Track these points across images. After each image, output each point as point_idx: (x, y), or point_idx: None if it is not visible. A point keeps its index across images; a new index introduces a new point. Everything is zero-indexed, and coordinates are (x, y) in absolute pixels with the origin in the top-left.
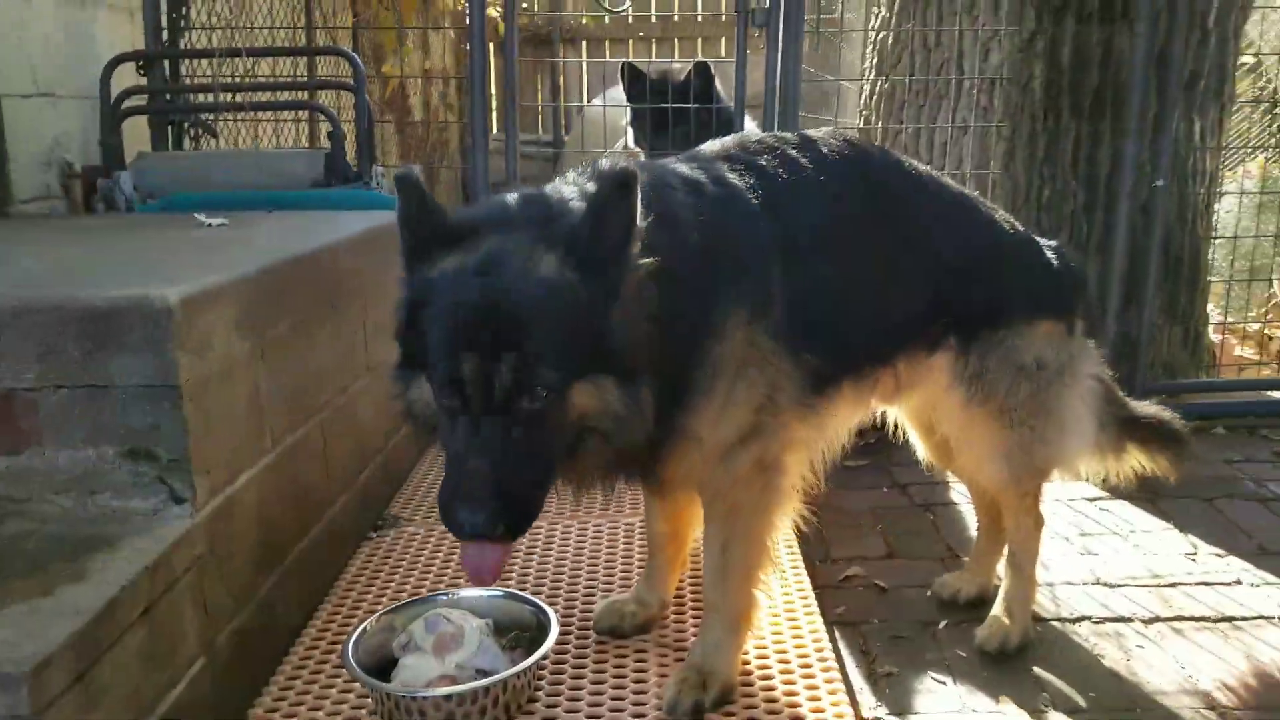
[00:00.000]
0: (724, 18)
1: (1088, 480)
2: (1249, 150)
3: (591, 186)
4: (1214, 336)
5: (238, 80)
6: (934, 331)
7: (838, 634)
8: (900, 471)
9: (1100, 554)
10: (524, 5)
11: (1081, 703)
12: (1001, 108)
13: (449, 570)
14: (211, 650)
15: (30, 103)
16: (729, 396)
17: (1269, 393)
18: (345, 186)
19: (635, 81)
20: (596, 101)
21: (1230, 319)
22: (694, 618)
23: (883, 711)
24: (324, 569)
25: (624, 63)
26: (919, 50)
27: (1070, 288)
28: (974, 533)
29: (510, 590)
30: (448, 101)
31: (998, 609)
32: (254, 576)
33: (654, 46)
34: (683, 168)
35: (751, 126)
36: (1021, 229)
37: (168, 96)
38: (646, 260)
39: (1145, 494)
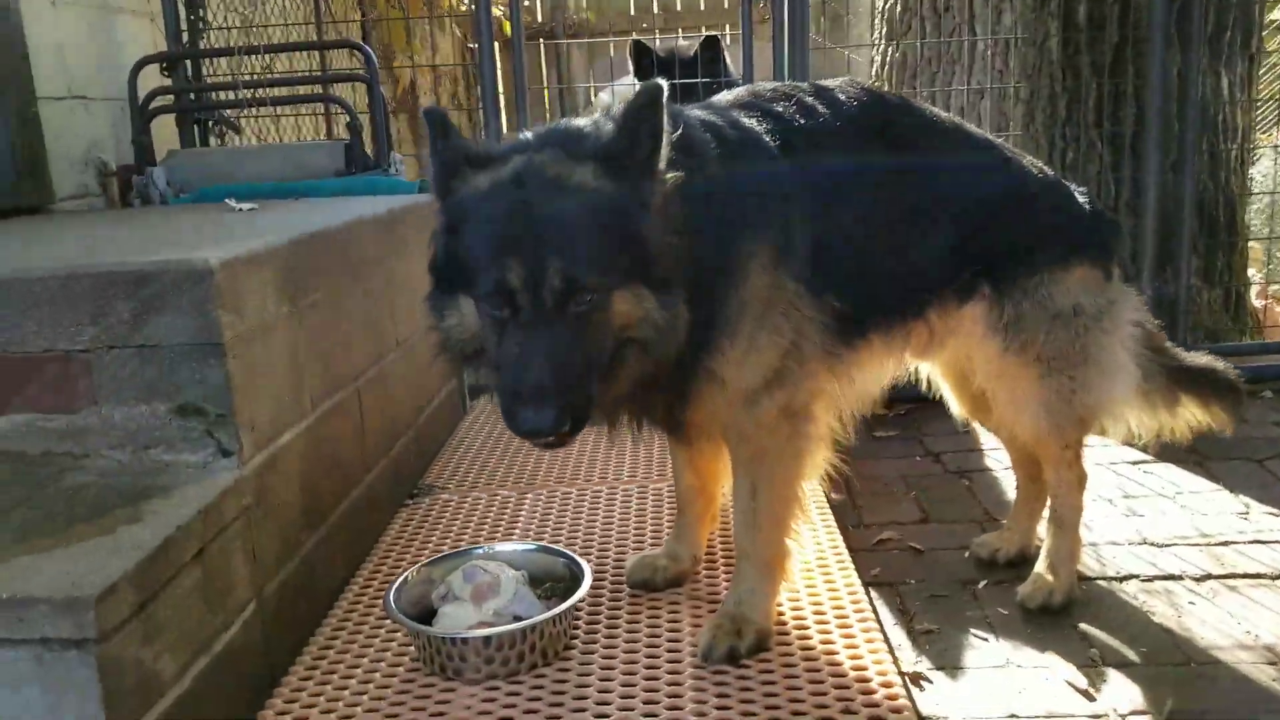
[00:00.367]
0: (727, 3)
1: (1140, 438)
2: None
3: (606, 118)
4: (1257, 302)
5: (256, 77)
6: (966, 279)
7: (873, 594)
8: (932, 441)
9: (1146, 515)
10: (525, 3)
11: (1133, 657)
12: (1018, 69)
13: (484, 531)
14: (261, 598)
15: (64, 105)
16: (753, 340)
17: None
18: (365, 174)
19: (643, 58)
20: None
21: (1272, 282)
22: (726, 574)
23: (924, 665)
24: (363, 533)
25: (632, 40)
26: (929, 15)
27: (1105, 231)
28: (1012, 497)
29: (544, 544)
30: (458, 102)
31: (1041, 565)
32: (298, 533)
33: (657, 39)
34: (698, 112)
35: None
36: (1050, 172)
37: (192, 96)
38: (674, 174)
39: (1192, 457)
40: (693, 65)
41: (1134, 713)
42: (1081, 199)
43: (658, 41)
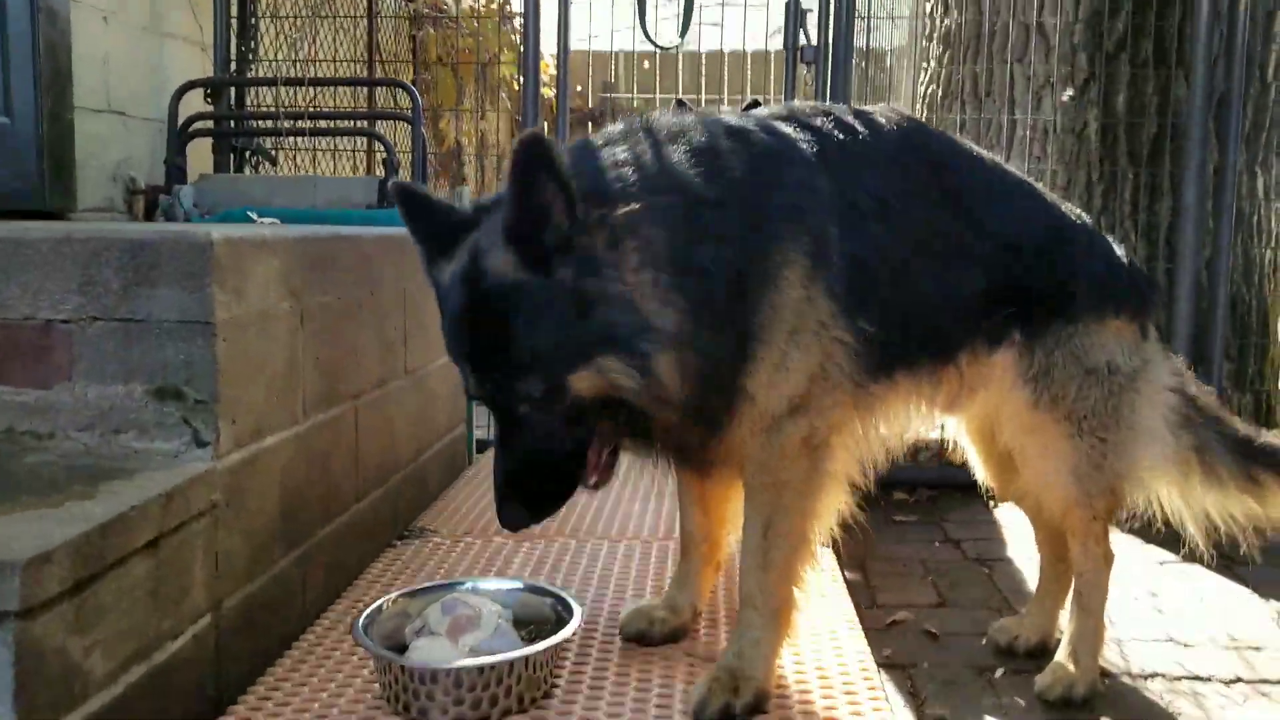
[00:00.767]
0: (772, 96)
1: (1215, 522)
2: None
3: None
4: None
5: (300, 109)
6: (998, 322)
7: (884, 675)
8: (953, 527)
9: (1173, 614)
10: (577, 88)
11: None
12: (1055, 155)
13: (475, 574)
14: (219, 611)
15: (101, 118)
16: (784, 356)
17: None
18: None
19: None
20: None
21: None
22: (727, 632)
23: None
24: (346, 564)
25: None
26: (969, 100)
27: (1142, 286)
28: (1034, 587)
29: (531, 582)
30: (501, 177)
31: (1062, 654)
32: (272, 548)
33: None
34: (729, 120)
35: None
36: (1089, 221)
37: (232, 123)
38: (626, 209)
39: (1220, 560)
40: None
41: None
42: (1118, 250)
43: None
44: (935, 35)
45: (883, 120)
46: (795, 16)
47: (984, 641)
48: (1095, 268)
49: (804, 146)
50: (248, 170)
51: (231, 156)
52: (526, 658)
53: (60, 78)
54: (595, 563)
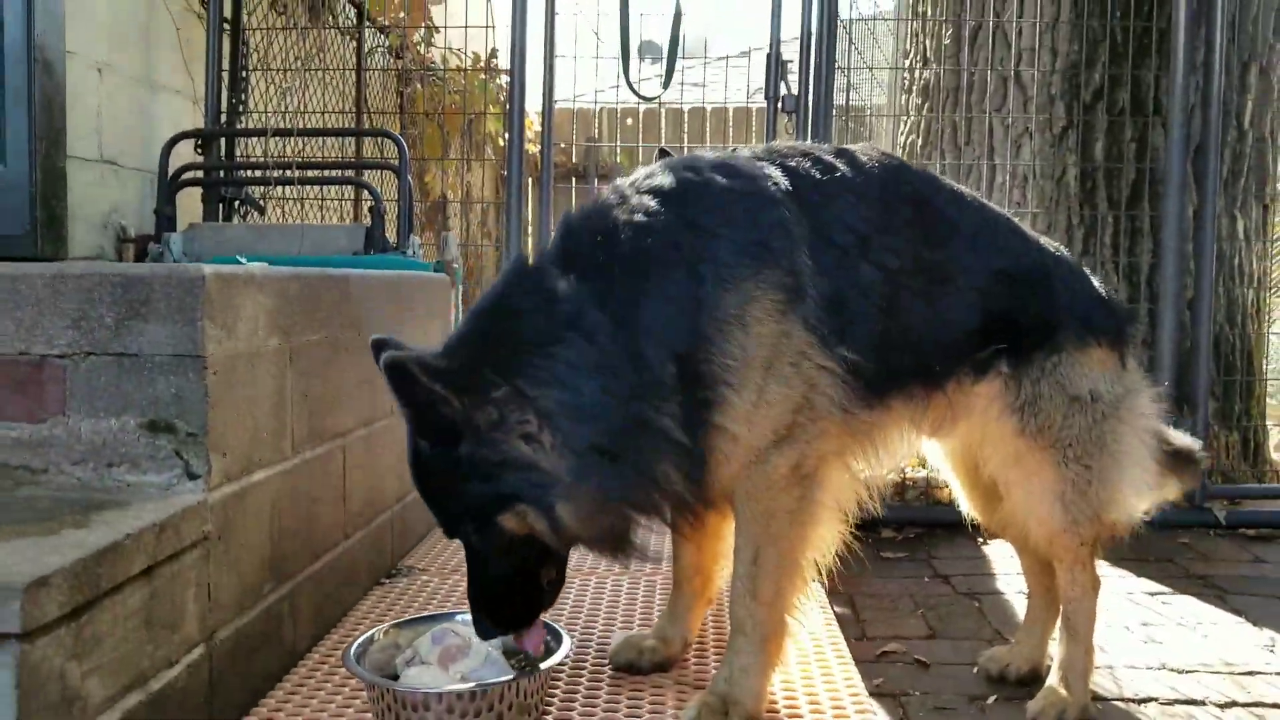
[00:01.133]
0: (754, 139)
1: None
2: None
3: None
4: (1276, 454)
5: (289, 159)
6: (984, 354)
7: (875, 703)
8: (942, 563)
9: (1166, 642)
10: (561, 144)
11: None
12: (1035, 200)
13: (464, 610)
14: (212, 642)
15: (94, 168)
16: (762, 392)
17: None
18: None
19: None
20: None
21: None
22: (717, 662)
23: None
24: (333, 601)
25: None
26: (949, 148)
27: (1121, 315)
28: (1024, 619)
29: None
30: (485, 229)
31: (1053, 679)
32: (262, 582)
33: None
34: (699, 159)
35: None
36: (1068, 254)
37: (221, 172)
38: (503, 390)
39: (1212, 590)
40: None
41: None
42: (1096, 283)
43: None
44: (914, 87)
45: (864, 158)
46: (776, 67)
47: (975, 670)
48: (1077, 299)
49: (770, 184)
50: (236, 219)
51: (220, 206)
52: (518, 684)
53: (54, 128)
54: (584, 594)
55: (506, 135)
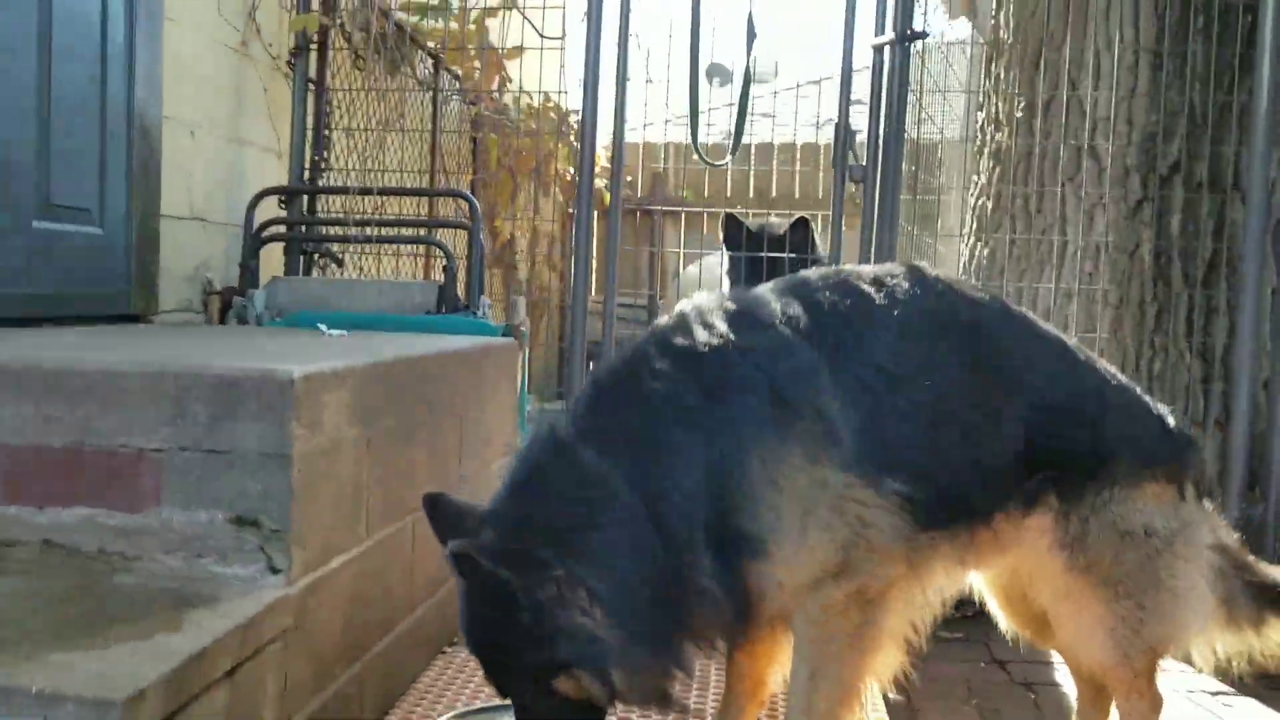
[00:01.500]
0: (821, 190)
1: (1227, 662)
2: None
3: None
4: None
5: (367, 216)
6: (1032, 487)
7: None
8: (998, 647)
9: None
10: (628, 178)
11: None
12: (1108, 274)
13: None
14: None
15: (184, 225)
16: (803, 539)
17: None
18: (455, 314)
19: (734, 231)
20: (692, 267)
21: None
22: None
23: None
24: (399, 673)
25: (725, 213)
26: (1020, 215)
27: (1180, 445)
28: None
29: None
30: (551, 262)
31: None
32: (334, 664)
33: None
34: (701, 330)
35: None
36: (1124, 378)
37: (303, 228)
38: (559, 572)
39: (1276, 693)
40: (782, 242)
41: None
42: (1155, 409)
43: (750, 218)
44: (986, 150)
45: (904, 285)
46: (845, 138)
47: None
48: (1132, 430)
49: (790, 333)
50: (315, 271)
51: (301, 259)
52: None
53: (150, 190)
54: None
55: (574, 172)
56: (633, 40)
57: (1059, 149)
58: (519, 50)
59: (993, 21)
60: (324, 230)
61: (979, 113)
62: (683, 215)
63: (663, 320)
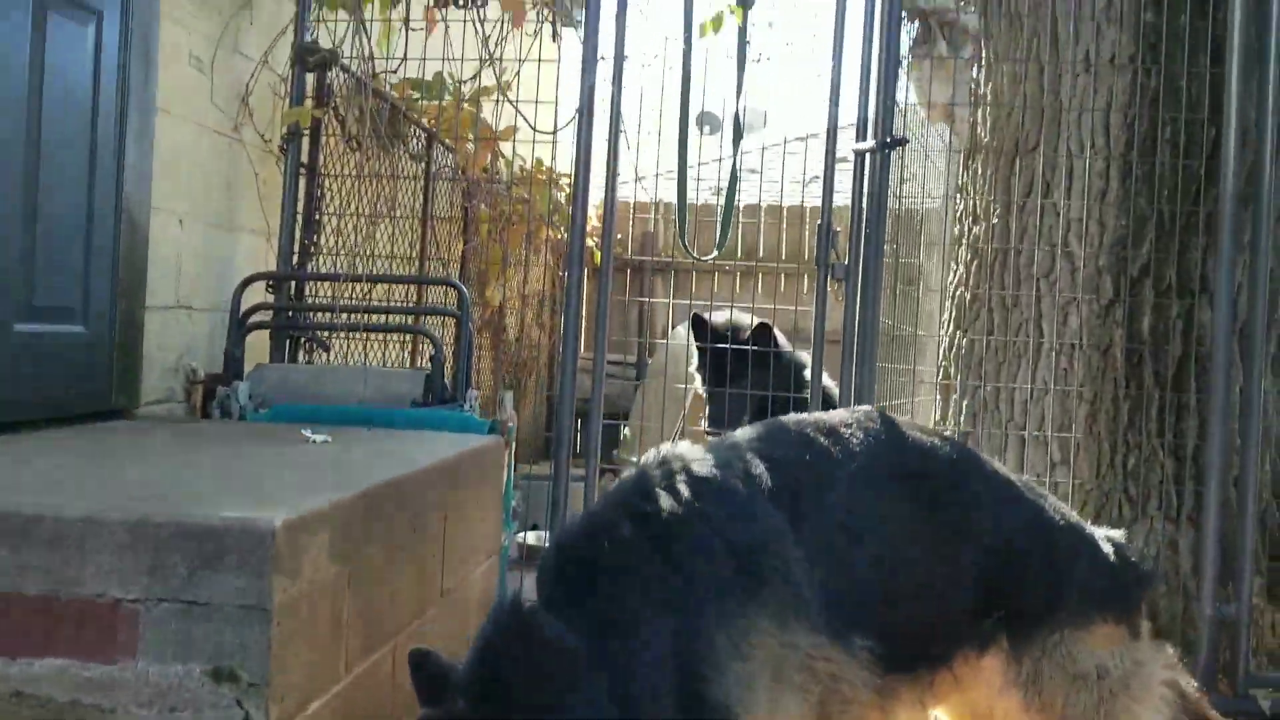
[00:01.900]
0: (806, 253)
1: None
2: None
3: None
4: None
5: (355, 302)
6: (985, 628)
7: None
8: None
9: None
10: (618, 236)
11: None
12: (1083, 371)
13: None
14: None
15: (170, 314)
16: (776, 702)
17: None
18: (440, 407)
19: (701, 330)
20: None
21: None
22: None
23: None
24: None
25: (694, 314)
26: (997, 309)
27: (1132, 584)
28: None
29: None
30: (540, 321)
31: None
32: None
33: (737, 279)
34: (665, 497)
35: (828, 382)
36: (1074, 518)
37: (289, 314)
38: None
39: None
40: (745, 343)
41: None
42: (1107, 547)
43: (737, 283)
44: (964, 241)
45: (861, 437)
46: (826, 237)
47: None
48: (1079, 572)
49: (749, 498)
50: (302, 357)
51: (287, 343)
52: None
53: (135, 284)
54: None
55: (565, 233)
56: (622, 137)
57: (1034, 249)
58: (513, 130)
59: (970, 121)
60: (311, 317)
61: (957, 199)
62: (673, 272)
63: (627, 475)
